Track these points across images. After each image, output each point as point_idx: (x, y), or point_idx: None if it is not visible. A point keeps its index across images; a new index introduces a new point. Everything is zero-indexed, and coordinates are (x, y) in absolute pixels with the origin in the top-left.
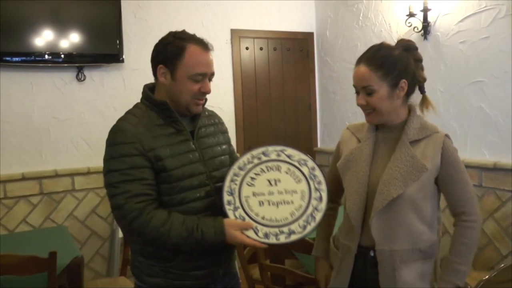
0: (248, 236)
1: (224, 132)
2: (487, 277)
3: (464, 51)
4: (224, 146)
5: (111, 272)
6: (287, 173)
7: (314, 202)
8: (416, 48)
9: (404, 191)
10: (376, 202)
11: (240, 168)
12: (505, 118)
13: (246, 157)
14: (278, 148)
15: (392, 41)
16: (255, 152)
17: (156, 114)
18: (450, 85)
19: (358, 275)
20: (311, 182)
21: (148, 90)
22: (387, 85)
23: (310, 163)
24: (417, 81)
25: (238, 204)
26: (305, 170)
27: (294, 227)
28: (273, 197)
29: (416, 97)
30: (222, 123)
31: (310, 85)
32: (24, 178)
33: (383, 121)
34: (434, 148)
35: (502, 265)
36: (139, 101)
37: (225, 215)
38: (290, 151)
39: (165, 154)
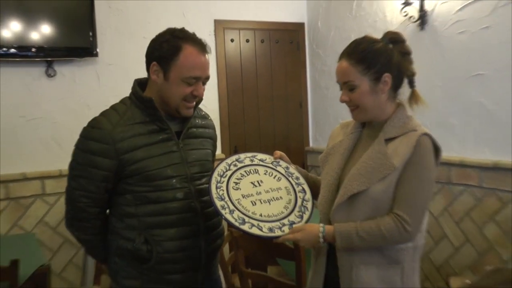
0: (253, 234)
1: (213, 139)
2: (469, 282)
3: (464, 42)
4: (208, 151)
5: (84, 282)
6: (265, 174)
7: (300, 195)
8: (404, 41)
9: (368, 189)
10: (339, 196)
11: (221, 176)
12: (507, 115)
13: (223, 165)
14: (250, 154)
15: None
16: (229, 160)
17: (140, 111)
18: (449, 79)
19: (332, 274)
20: (290, 179)
21: (139, 85)
22: (368, 79)
23: (283, 163)
24: (404, 75)
25: (232, 207)
26: (280, 169)
27: (292, 218)
28: (262, 196)
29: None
30: (214, 130)
31: (301, 80)
32: None
33: (368, 117)
34: (407, 147)
35: (489, 268)
36: (115, 98)
37: (225, 220)
38: (261, 155)
39: (141, 155)
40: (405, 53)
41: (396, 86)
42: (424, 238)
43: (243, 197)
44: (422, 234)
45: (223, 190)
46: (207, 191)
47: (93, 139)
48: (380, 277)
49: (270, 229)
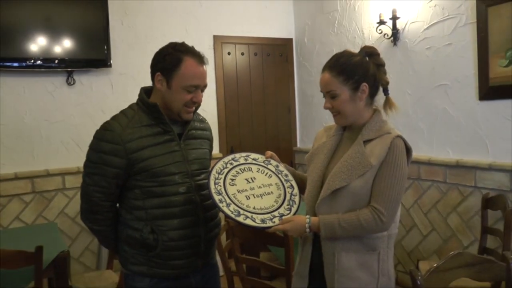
0: (247, 225)
1: (210, 140)
2: (435, 265)
3: (430, 56)
4: (206, 150)
5: (99, 266)
6: (258, 171)
7: (289, 190)
8: (378, 54)
9: (349, 184)
10: (323, 191)
11: (218, 173)
12: (466, 119)
13: (220, 163)
14: (244, 154)
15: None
16: (226, 159)
17: (147, 115)
18: (418, 89)
19: (317, 260)
20: (279, 176)
21: (145, 92)
22: (348, 89)
23: (273, 162)
24: (379, 84)
25: (229, 201)
26: (271, 167)
27: (282, 210)
28: (255, 191)
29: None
30: (211, 132)
31: (289, 89)
32: (17, 177)
33: (349, 122)
34: (382, 147)
35: (452, 252)
36: (126, 103)
37: (221, 212)
38: (254, 155)
39: (148, 154)
40: (380, 65)
41: (372, 94)
42: (397, 227)
43: (238, 192)
44: (396, 224)
45: (220, 186)
46: (206, 186)
47: (106, 140)
48: (359, 262)
49: (262, 221)
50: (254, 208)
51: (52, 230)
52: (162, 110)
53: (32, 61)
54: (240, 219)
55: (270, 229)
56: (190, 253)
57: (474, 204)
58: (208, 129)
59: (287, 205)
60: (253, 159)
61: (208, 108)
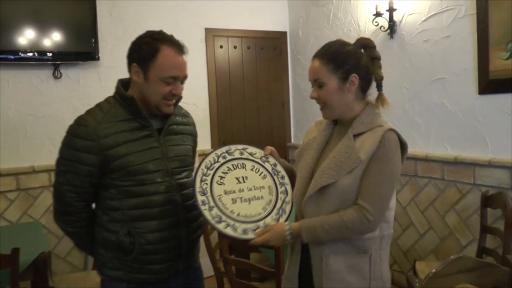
0: (227, 234)
1: (194, 135)
2: (434, 270)
3: (428, 49)
4: (189, 147)
5: (87, 266)
6: (252, 170)
7: (281, 196)
8: (374, 46)
9: (337, 181)
10: (310, 188)
11: (208, 168)
12: (465, 114)
13: (212, 156)
14: (240, 147)
15: None
16: (219, 151)
17: (124, 109)
18: (415, 82)
19: (306, 264)
20: (275, 177)
21: (122, 85)
22: (337, 78)
23: (272, 159)
24: (372, 78)
25: (212, 203)
26: (268, 166)
27: (269, 220)
28: (244, 194)
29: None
30: (194, 127)
31: (283, 83)
32: (1, 174)
33: (336, 115)
34: (372, 141)
35: (452, 257)
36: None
37: (202, 215)
38: (251, 149)
39: (124, 151)
40: (375, 58)
41: (363, 88)
42: (392, 228)
43: (225, 193)
44: (389, 225)
45: (206, 184)
46: (191, 184)
47: (78, 136)
48: (349, 265)
49: (244, 231)
50: (238, 215)
51: (35, 229)
52: (140, 104)
53: (20, 53)
54: (221, 226)
55: (251, 242)
56: (169, 256)
57: (473, 202)
58: (192, 124)
59: (276, 214)
60: (249, 153)
61: (200, 102)
